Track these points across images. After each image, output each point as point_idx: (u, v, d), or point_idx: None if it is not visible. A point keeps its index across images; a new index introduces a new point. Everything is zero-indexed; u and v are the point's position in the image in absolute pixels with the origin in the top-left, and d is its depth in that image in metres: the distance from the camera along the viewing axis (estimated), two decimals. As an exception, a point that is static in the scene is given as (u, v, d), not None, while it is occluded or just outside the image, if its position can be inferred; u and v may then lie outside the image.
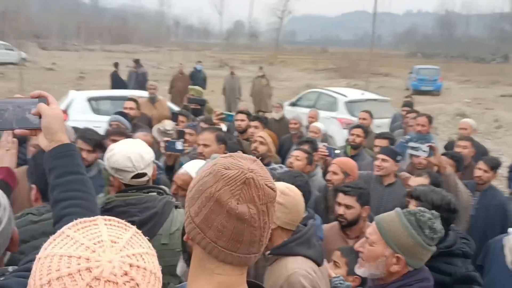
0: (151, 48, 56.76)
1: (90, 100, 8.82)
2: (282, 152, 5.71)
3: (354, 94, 11.47)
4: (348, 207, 2.88)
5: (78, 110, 8.47)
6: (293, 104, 12.31)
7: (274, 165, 3.73)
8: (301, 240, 1.97)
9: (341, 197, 2.90)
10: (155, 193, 2.16)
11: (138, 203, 2.05)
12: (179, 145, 3.56)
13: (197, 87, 8.81)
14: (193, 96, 7.88)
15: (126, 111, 5.82)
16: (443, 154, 4.19)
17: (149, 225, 2.04)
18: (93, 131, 3.83)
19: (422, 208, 1.99)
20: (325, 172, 4.15)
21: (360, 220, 2.90)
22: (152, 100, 7.86)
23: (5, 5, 41.48)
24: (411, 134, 5.48)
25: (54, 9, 78.83)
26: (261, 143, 4.16)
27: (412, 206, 2.41)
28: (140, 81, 13.39)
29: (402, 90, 24.52)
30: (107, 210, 1.96)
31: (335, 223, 3.01)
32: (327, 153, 4.27)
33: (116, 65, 13.79)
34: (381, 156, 3.98)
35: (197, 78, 14.63)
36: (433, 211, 1.93)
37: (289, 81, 28.72)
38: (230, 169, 1.01)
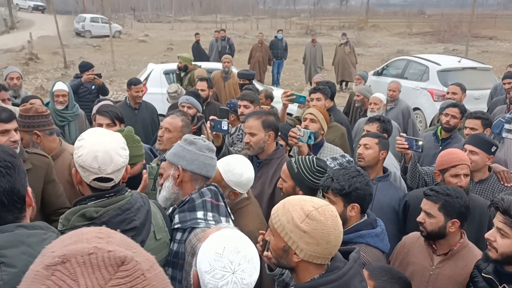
0: (239, 17, 56.83)
1: (166, 73, 8.85)
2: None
3: (449, 61, 10.26)
4: (428, 215, 2.36)
5: (155, 83, 8.58)
6: (378, 74, 11.40)
7: (328, 158, 3.12)
8: (336, 284, 1.54)
9: (423, 201, 2.42)
10: (128, 190, 1.90)
11: (131, 206, 1.82)
12: (224, 124, 3.26)
13: (185, 54, 7.96)
14: (181, 64, 7.54)
15: (199, 91, 5.66)
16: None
17: (146, 225, 1.88)
18: (110, 104, 3.77)
19: None
20: (405, 170, 3.49)
21: (448, 234, 2.33)
22: (226, 73, 7.65)
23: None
24: (514, 111, 4.59)
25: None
26: (312, 120, 3.65)
27: (498, 221, 1.91)
28: (223, 52, 13.29)
29: (509, 55, 21.82)
30: (104, 223, 1.71)
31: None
32: (406, 145, 3.38)
33: (197, 36, 13.76)
34: (468, 147, 3.28)
35: (277, 47, 14.15)
36: None
37: (379, 47, 26.97)
38: None
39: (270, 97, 5.87)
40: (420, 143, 3.28)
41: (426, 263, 2.40)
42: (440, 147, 4.25)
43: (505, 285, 1.94)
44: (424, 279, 2.39)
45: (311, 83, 13.71)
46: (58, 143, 3.19)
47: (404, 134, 3.49)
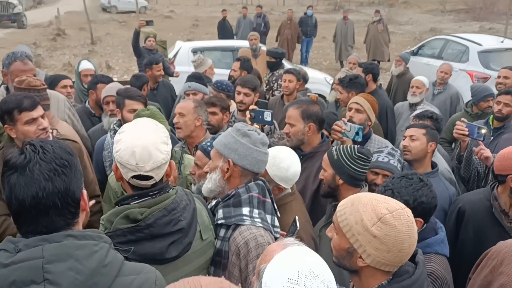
0: (265, -8, 55.78)
1: (194, 51, 8.65)
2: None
3: (491, 41, 9.69)
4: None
5: (183, 61, 8.40)
6: (414, 53, 10.88)
7: (382, 155, 2.80)
8: None
9: None
10: (171, 187, 1.76)
11: (176, 205, 1.68)
12: (268, 115, 3.03)
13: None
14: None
15: (231, 73, 5.60)
16: None
17: (193, 225, 1.75)
18: (132, 88, 3.62)
19: None
20: (459, 159, 3.17)
21: None
22: (254, 51, 7.39)
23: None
24: None
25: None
26: (357, 110, 3.35)
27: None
28: (257, 30, 12.90)
29: (551, 34, 20.72)
30: (150, 226, 1.60)
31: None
32: (466, 131, 3.07)
33: (223, 12, 13.43)
34: None
35: (307, 24, 13.71)
36: None
37: (411, 25, 26.01)
38: None
39: (303, 79, 5.60)
40: (483, 131, 2.95)
41: None
42: (492, 138, 3.96)
43: None
44: None
45: (341, 62, 13.29)
46: (51, 119, 3.04)
47: (465, 120, 3.14)
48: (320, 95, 6.47)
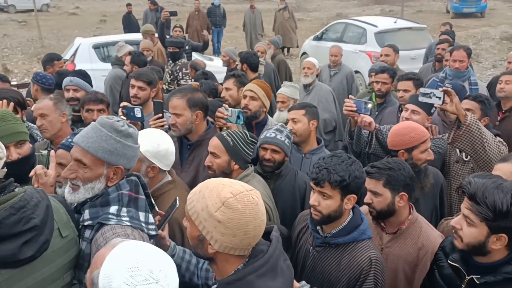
0: (177, -16, 54.78)
1: (96, 47, 8.30)
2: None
3: (386, 23, 10.36)
4: (375, 193, 2.24)
5: (84, 59, 8.03)
6: (318, 38, 11.33)
7: (270, 131, 2.86)
8: (264, 269, 1.42)
9: (367, 181, 2.23)
10: (17, 186, 1.65)
11: (26, 203, 1.57)
12: (138, 112, 2.99)
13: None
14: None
15: (124, 67, 5.57)
16: (465, 98, 3.41)
17: (48, 222, 1.62)
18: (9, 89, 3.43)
19: None
20: (350, 134, 3.30)
21: (398, 210, 2.25)
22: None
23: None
24: (446, 70, 4.64)
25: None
26: (252, 98, 3.35)
27: (465, 208, 1.70)
28: (158, 24, 12.58)
29: (442, 14, 22.53)
30: None
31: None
32: (354, 107, 3.12)
33: (128, 7, 13.01)
34: (411, 106, 3.22)
35: (215, 14, 13.73)
36: None
37: (319, 12, 26.95)
38: None
39: (195, 68, 5.61)
40: (370, 106, 3.09)
41: (376, 242, 2.27)
42: (376, 112, 4.25)
43: (473, 276, 1.72)
44: None
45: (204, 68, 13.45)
46: None
47: (353, 96, 3.30)
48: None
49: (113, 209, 1.76)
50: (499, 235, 1.64)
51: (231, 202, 1.37)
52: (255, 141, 2.63)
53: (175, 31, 7.60)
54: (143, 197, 1.88)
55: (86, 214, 1.78)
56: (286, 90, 4.17)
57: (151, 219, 1.87)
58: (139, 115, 3.02)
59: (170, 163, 2.36)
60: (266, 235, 1.53)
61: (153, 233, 1.84)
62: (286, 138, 2.87)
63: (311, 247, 2.15)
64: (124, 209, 1.77)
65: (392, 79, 4.31)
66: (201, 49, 7.97)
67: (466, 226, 1.69)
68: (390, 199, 2.21)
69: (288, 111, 3.28)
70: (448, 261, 1.86)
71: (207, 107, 2.92)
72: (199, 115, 2.83)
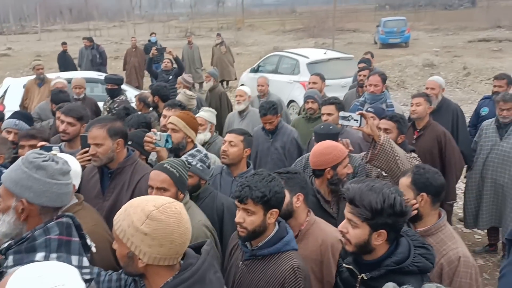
0: (115, 23, 54.57)
1: (28, 86, 8.09)
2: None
3: (316, 54, 10.95)
4: None
5: (15, 99, 7.80)
6: (255, 70, 11.75)
7: (187, 156, 2.95)
8: (192, 281, 1.49)
9: None
10: None
11: None
12: (56, 150, 2.80)
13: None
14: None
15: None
16: (382, 118, 3.76)
17: None
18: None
19: None
20: None
21: (295, 211, 2.41)
22: (40, 80, 7.53)
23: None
24: (365, 94, 5.03)
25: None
26: (173, 130, 3.35)
27: (347, 212, 1.88)
28: (94, 61, 12.52)
29: (370, 45, 24.06)
30: None
31: None
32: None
33: (64, 46, 12.87)
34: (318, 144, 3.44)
35: (153, 51, 13.79)
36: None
37: (257, 46, 27.89)
38: None
39: (143, 101, 5.69)
40: None
41: None
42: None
43: (363, 275, 1.87)
44: None
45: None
46: None
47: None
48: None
49: (39, 256, 1.65)
50: (379, 232, 1.82)
51: (155, 214, 1.45)
52: (189, 167, 2.70)
53: (163, 62, 8.68)
54: (77, 239, 1.77)
55: (10, 260, 1.67)
56: (204, 114, 4.53)
57: (85, 262, 1.77)
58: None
59: (76, 181, 2.36)
60: (199, 249, 1.61)
61: (88, 277, 1.73)
62: (199, 162, 2.94)
63: (241, 262, 2.24)
64: (54, 255, 1.68)
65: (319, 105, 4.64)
66: (182, 70, 8.55)
67: (351, 229, 1.86)
68: (289, 199, 2.38)
69: (228, 132, 3.41)
70: (344, 264, 2.02)
71: (126, 135, 2.92)
72: (120, 143, 2.81)
